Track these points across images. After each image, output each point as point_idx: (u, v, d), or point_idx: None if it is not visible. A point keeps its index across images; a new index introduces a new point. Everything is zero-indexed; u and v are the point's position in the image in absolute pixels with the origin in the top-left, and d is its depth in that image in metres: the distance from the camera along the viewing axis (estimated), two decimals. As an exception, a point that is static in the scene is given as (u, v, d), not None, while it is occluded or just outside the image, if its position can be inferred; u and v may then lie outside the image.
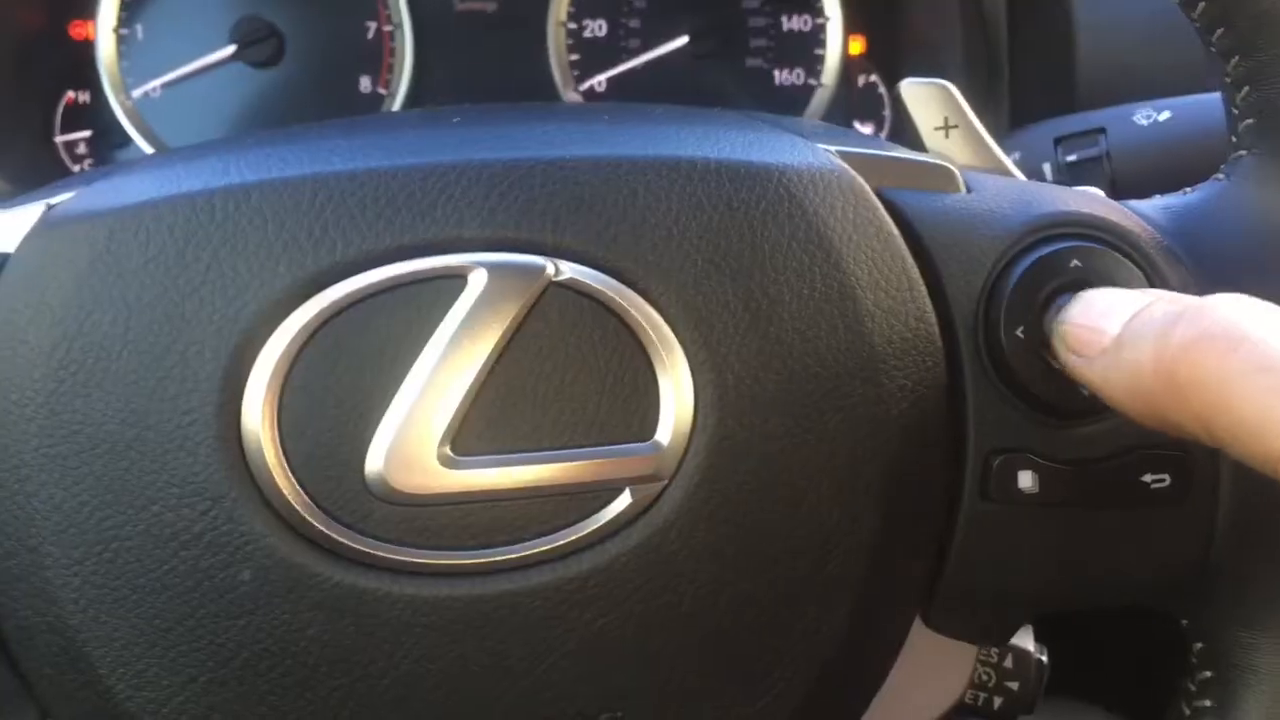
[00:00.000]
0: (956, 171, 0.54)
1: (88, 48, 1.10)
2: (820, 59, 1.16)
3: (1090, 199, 0.54)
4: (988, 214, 0.52)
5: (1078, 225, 0.51)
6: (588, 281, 0.48)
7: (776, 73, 1.16)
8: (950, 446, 0.50)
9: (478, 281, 0.47)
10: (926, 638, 0.54)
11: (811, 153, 0.52)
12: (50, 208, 0.50)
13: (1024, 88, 1.00)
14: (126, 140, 1.11)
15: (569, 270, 0.48)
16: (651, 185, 0.49)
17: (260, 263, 0.47)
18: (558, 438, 0.48)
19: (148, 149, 1.11)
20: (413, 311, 0.47)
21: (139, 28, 1.11)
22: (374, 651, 0.47)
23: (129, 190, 0.49)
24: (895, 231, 0.50)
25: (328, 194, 0.48)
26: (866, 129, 1.18)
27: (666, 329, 0.48)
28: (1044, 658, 0.57)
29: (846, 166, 0.51)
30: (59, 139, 1.11)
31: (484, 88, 1.15)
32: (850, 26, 1.16)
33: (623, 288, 0.48)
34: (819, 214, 0.50)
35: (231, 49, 1.10)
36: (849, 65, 1.16)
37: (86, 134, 1.12)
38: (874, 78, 1.17)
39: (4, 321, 0.47)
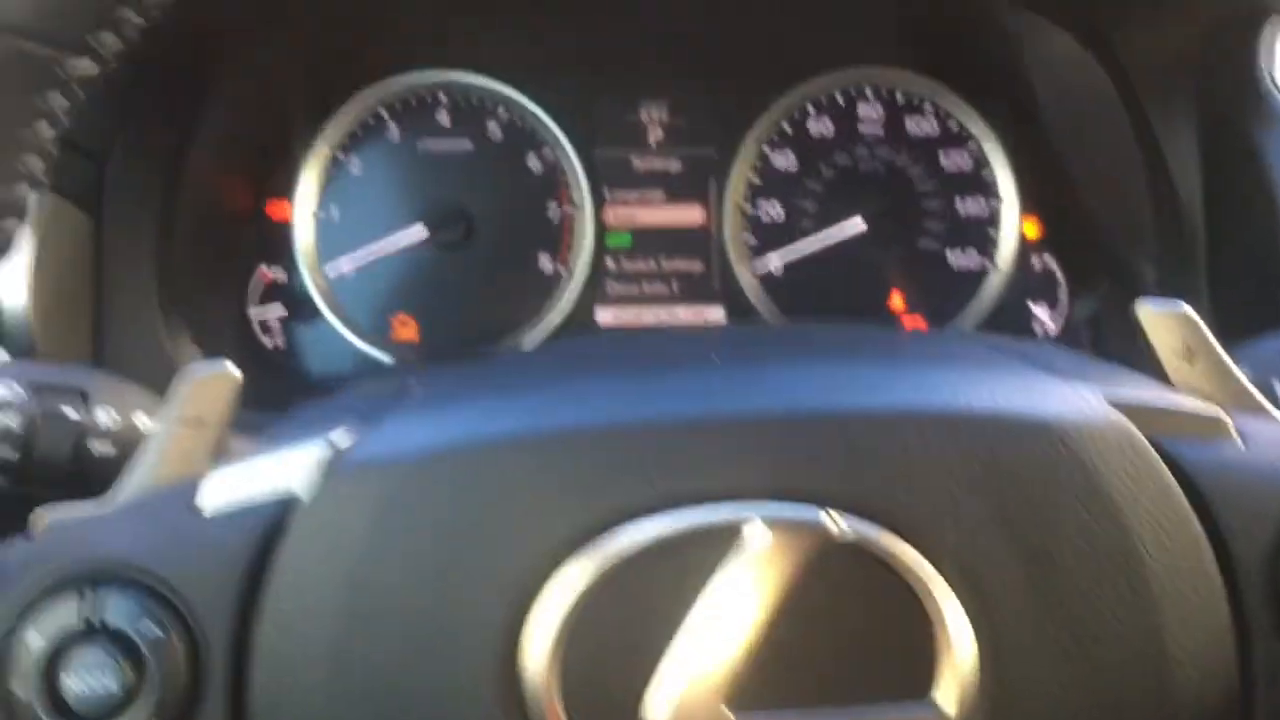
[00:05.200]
0: (1229, 421, 0.53)
1: (284, 227, 1.15)
2: (995, 242, 1.16)
3: None
4: (1270, 468, 0.51)
5: None
6: (865, 536, 0.47)
7: (950, 254, 1.16)
8: (1240, 711, 0.49)
9: (755, 534, 0.47)
10: None
11: (1085, 403, 0.51)
12: (335, 450, 0.51)
13: (1224, 284, 0.98)
14: (317, 314, 1.15)
15: (845, 525, 0.47)
16: (928, 440, 0.49)
17: (540, 514, 0.48)
18: (836, 696, 0.47)
19: (338, 325, 1.15)
20: (691, 563, 0.47)
21: (334, 209, 1.16)
22: None
23: (414, 437, 0.50)
24: (1177, 488, 0.49)
25: (605, 446, 0.48)
26: (1041, 311, 1.17)
27: (946, 588, 0.47)
28: None
29: (1123, 418, 0.51)
30: (252, 311, 1.15)
31: (660, 270, 1.18)
32: (1025, 208, 1.16)
33: (901, 544, 0.48)
34: (1098, 470, 0.49)
35: (424, 232, 1.14)
36: (1025, 248, 1.16)
37: (279, 309, 1.16)
38: (1050, 260, 1.17)
39: (295, 566, 0.48)
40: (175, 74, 0.93)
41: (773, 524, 0.47)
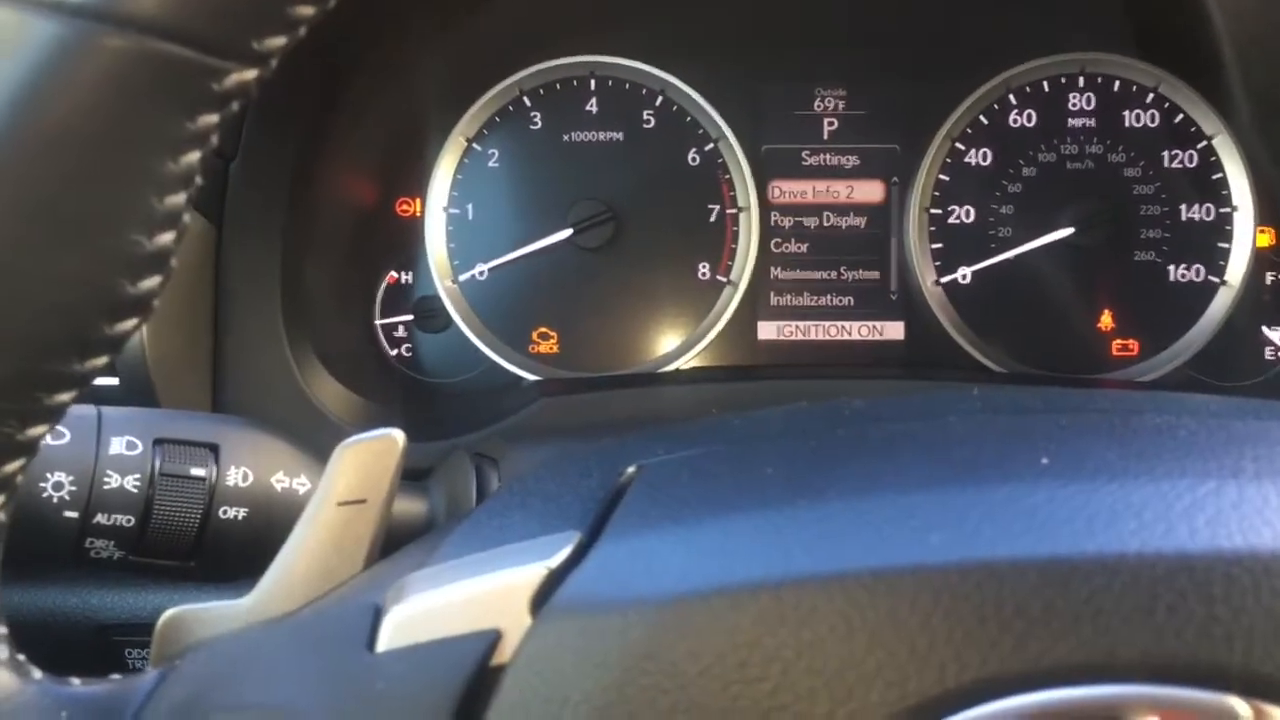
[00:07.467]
0: None
1: (413, 225, 1.04)
2: (1224, 253, 1.01)
3: None
4: None
5: None
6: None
7: (1172, 269, 1.01)
8: None
9: (1145, 727, 0.34)
10: None
11: None
12: (552, 573, 0.39)
13: None
14: (448, 324, 1.04)
15: (1274, 715, 0.34)
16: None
17: (846, 682, 0.35)
18: None
19: (469, 334, 1.03)
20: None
21: (470, 207, 1.04)
22: None
23: (663, 568, 0.38)
24: None
25: (931, 592, 0.36)
26: (1275, 335, 1.01)
27: None
28: None
29: None
30: (379, 322, 1.05)
31: (831, 279, 1.04)
32: (1260, 216, 1.00)
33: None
34: None
35: (568, 232, 1.02)
36: (1258, 261, 1.01)
37: (407, 318, 1.05)
38: (1286, 275, 1.01)
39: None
40: (309, 62, 0.82)
41: (1170, 708, 0.34)
